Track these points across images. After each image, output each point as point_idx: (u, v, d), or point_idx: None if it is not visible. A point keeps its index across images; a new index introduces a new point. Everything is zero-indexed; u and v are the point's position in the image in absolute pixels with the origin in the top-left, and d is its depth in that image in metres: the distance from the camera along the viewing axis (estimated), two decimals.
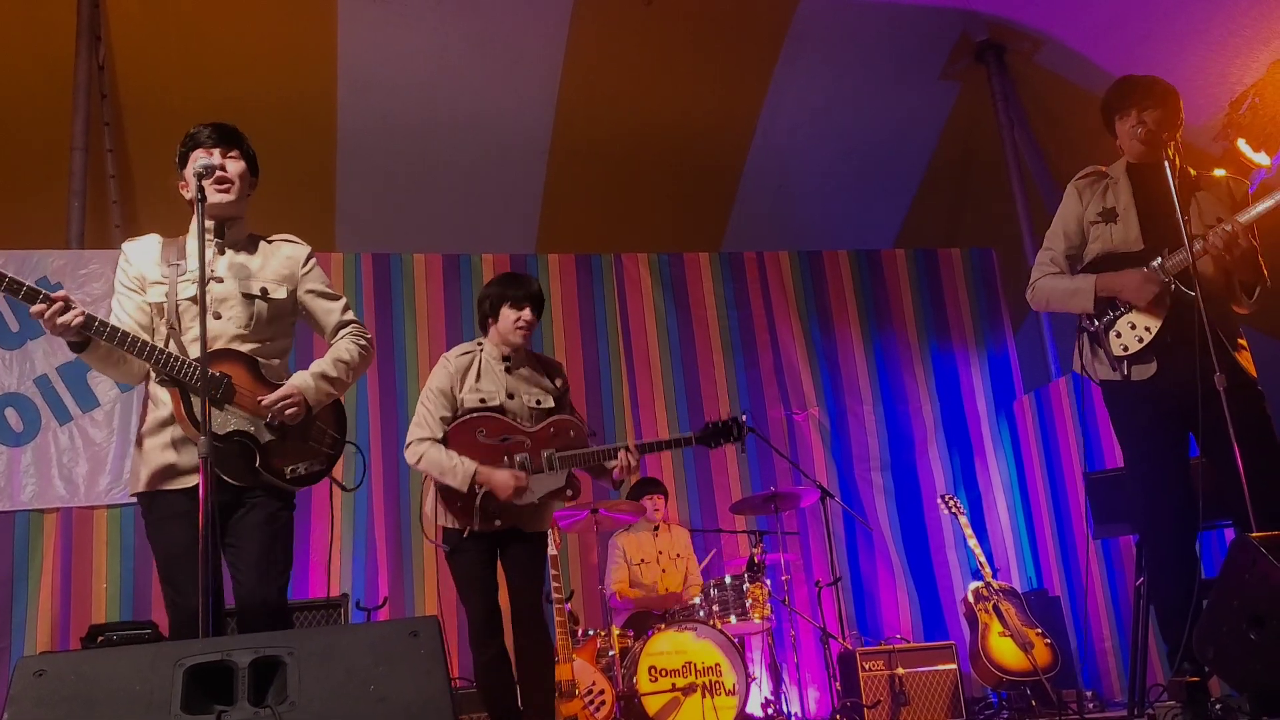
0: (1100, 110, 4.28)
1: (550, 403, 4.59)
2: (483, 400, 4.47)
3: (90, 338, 3.33)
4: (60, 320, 3.24)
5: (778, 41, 8.17)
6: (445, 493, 4.39)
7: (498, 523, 4.37)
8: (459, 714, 2.50)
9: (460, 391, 4.49)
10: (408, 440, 4.47)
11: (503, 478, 4.33)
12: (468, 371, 4.53)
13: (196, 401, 3.31)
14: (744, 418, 4.85)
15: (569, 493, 4.53)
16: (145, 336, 3.45)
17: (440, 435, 4.42)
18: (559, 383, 4.70)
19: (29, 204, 7.12)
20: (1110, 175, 4.26)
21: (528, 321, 4.53)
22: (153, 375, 3.53)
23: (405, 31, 7.64)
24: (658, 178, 8.64)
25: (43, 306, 3.22)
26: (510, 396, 4.51)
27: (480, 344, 4.63)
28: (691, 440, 4.81)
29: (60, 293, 3.28)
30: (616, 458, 4.53)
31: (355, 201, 8.37)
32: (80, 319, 3.25)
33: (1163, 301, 3.95)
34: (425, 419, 4.46)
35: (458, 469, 4.32)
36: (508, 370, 4.56)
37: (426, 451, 4.38)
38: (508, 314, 4.54)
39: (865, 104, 8.60)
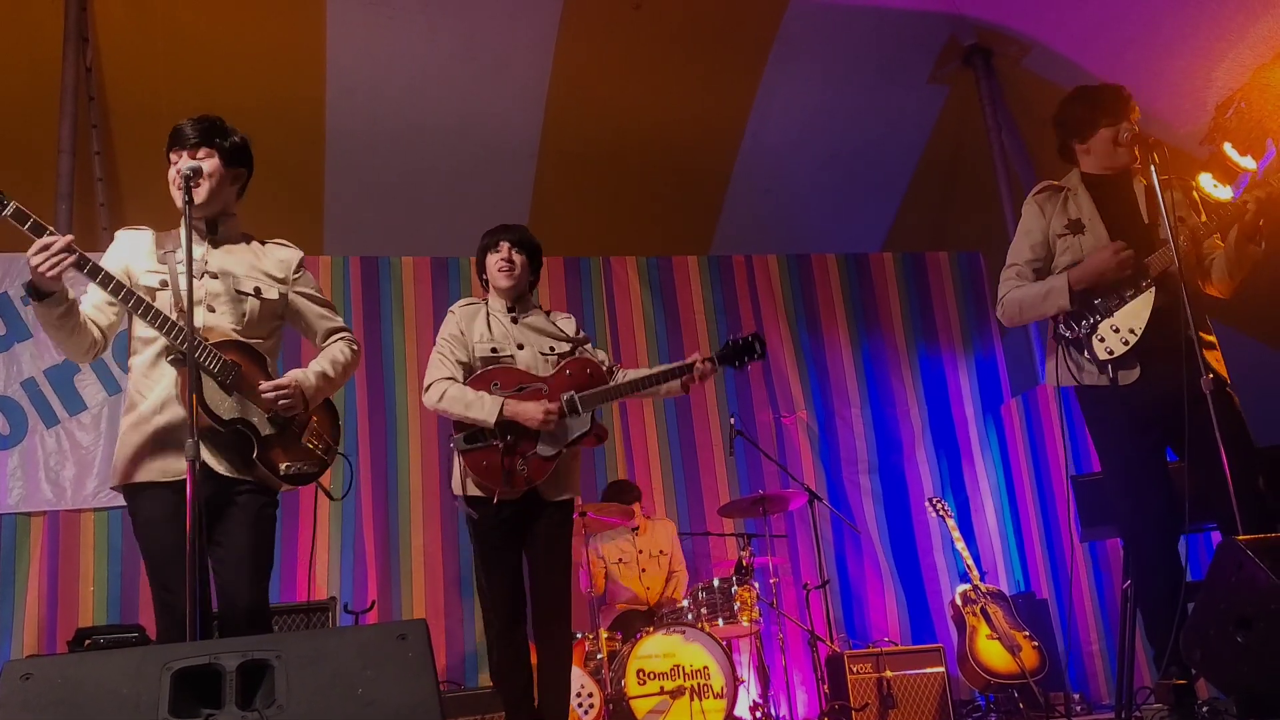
0: (1078, 119, 4.25)
1: (564, 348, 4.50)
2: (494, 350, 4.39)
3: (59, 287, 3.30)
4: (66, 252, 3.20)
5: (766, 45, 8.18)
6: (470, 458, 4.26)
7: (526, 482, 4.24)
8: (447, 717, 2.50)
9: (471, 339, 4.41)
10: (426, 383, 4.35)
11: (531, 407, 4.23)
12: (475, 320, 4.45)
13: (207, 383, 3.35)
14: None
15: (594, 435, 4.41)
16: (110, 318, 3.54)
17: (460, 377, 4.33)
18: (573, 330, 4.59)
19: None
20: (1067, 187, 4.26)
21: (505, 258, 4.47)
22: (138, 363, 3.54)
23: (394, 35, 7.63)
24: (646, 181, 8.64)
25: (49, 239, 3.19)
26: (520, 347, 4.42)
27: (485, 299, 4.57)
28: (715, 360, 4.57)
29: (67, 237, 3.25)
30: (684, 376, 4.45)
31: (343, 204, 8.35)
32: (73, 258, 3.22)
33: (1140, 269, 3.95)
34: (442, 361, 4.36)
35: (484, 400, 4.23)
36: (514, 320, 4.49)
37: (448, 389, 4.27)
38: (490, 261, 4.52)
39: (853, 107, 8.62)
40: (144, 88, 7.41)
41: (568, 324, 4.62)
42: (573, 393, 4.35)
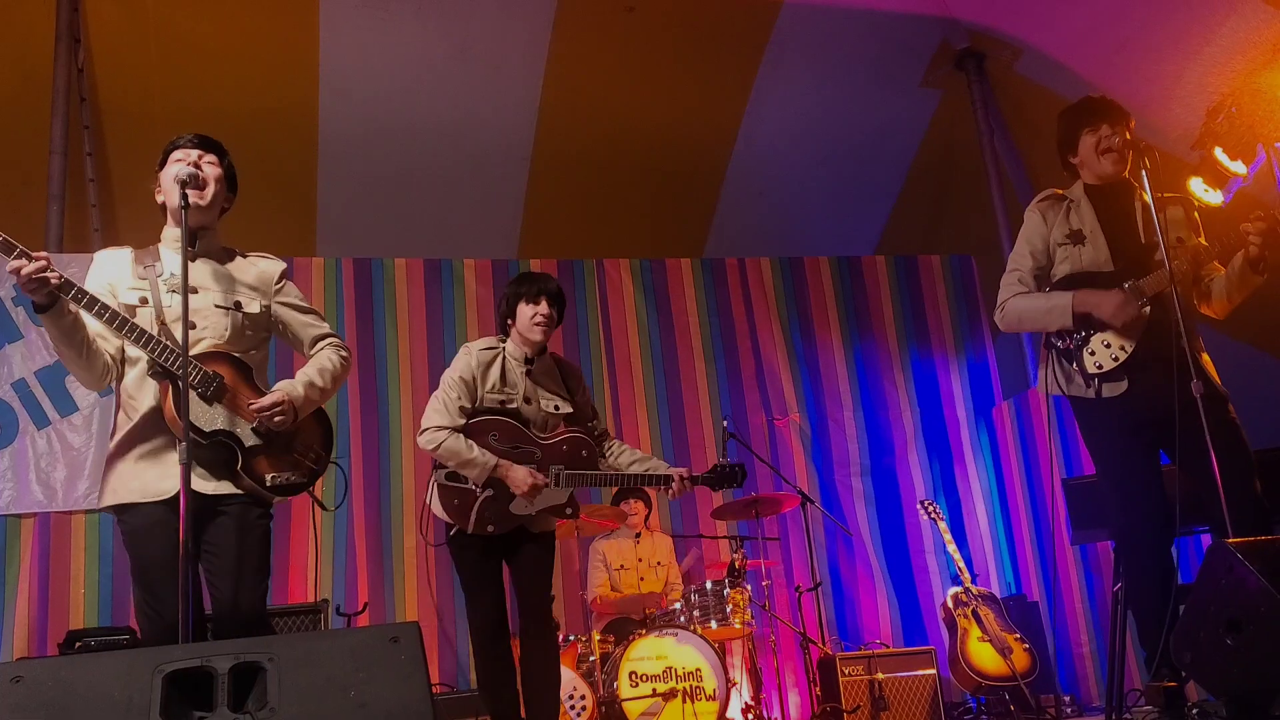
0: (1065, 134, 4.26)
1: (568, 409, 4.56)
2: (502, 403, 4.44)
3: (59, 298, 3.26)
4: (42, 275, 3.15)
5: (759, 48, 8.19)
6: (444, 492, 4.35)
7: (490, 529, 4.33)
8: None
9: (482, 386, 4.44)
10: (424, 425, 4.40)
11: (520, 474, 4.31)
12: (490, 366, 4.47)
13: (189, 395, 3.28)
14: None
15: (568, 510, 4.49)
16: (117, 340, 3.46)
17: (460, 424, 4.37)
18: (579, 394, 4.65)
19: (7, 208, 7.08)
20: (1070, 197, 4.26)
21: (545, 316, 4.47)
22: (125, 384, 3.50)
23: (387, 38, 7.63)
24: (640, 183, 8.65)
25: (21, 261, 3.14)
26: (527, 401, 4.47)
27: (503, 342, 4.57)
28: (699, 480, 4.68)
29: (41, 254, 3.21)
30: (661, 485, 4.53)
31: (336, 206, 8.35)
32: (59, 279, 3.19)
33: (1137, 324, 3.96)
34: (445, 406, 4.38)
35: (477, 459, 4.29)
36: (528, 374, 4.52)
37: (446, 440, 4.31)
38: (524, 310, 4.49)
39: (846, 111, 8.63)
40: (136, 89, 7.40)
41: (572, 377, 4.68)
42: (561, 467, 4.44)
